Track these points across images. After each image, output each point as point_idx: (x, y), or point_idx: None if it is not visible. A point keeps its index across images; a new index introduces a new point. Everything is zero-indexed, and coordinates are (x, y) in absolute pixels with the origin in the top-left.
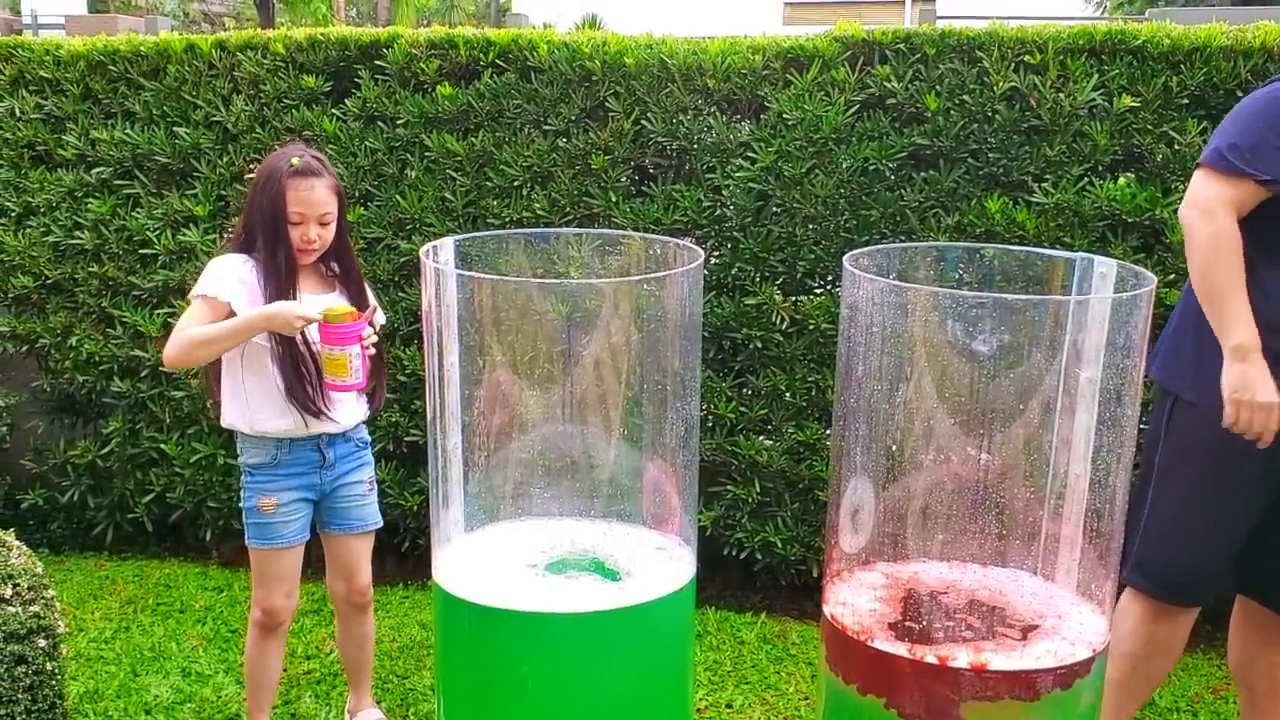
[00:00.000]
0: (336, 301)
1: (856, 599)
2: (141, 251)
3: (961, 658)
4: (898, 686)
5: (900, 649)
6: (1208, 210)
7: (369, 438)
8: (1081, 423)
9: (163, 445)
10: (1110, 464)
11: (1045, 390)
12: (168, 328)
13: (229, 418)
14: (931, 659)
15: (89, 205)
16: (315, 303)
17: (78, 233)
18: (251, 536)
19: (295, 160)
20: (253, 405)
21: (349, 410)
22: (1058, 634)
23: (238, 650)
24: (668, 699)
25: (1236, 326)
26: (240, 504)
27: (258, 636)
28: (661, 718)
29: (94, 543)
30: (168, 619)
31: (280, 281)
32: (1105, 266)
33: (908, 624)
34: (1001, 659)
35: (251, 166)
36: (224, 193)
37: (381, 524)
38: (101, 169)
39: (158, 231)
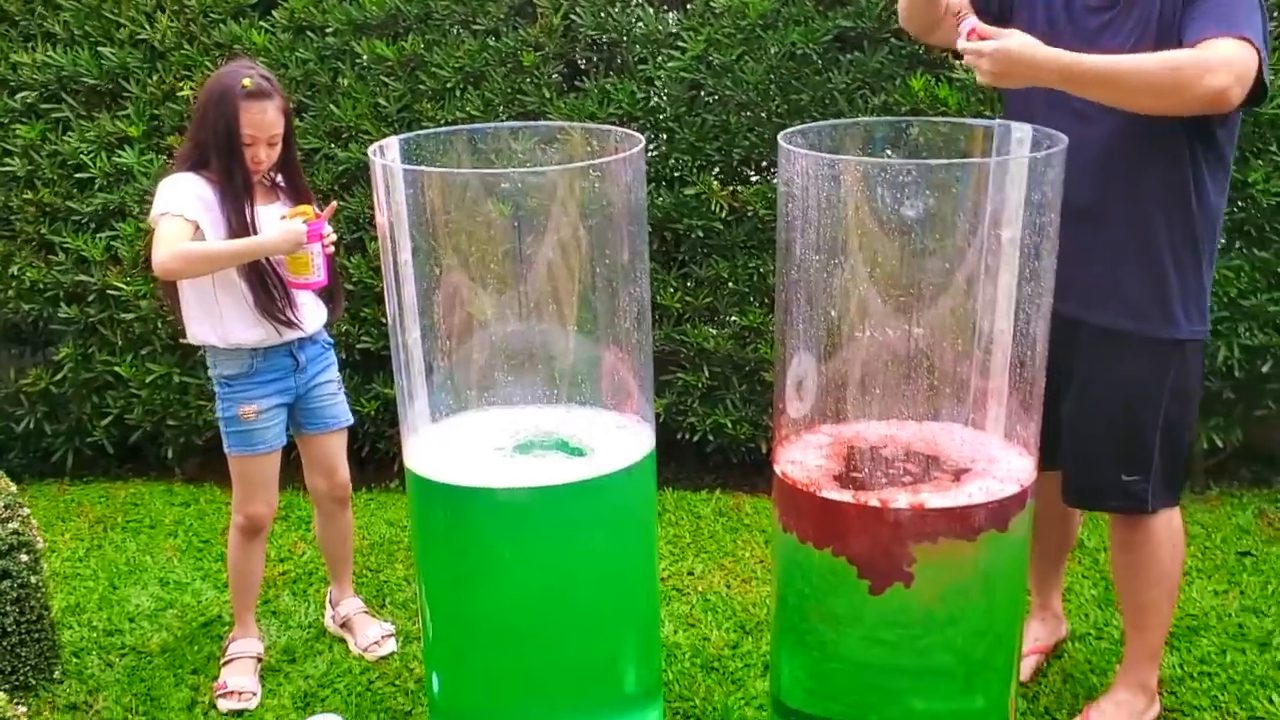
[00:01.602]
0: (288, 208)
1: (804, 457)
2: (77, 175)
3: (901, 499)
4: (845, 533)
5: (846, 495)
6: None
7: (331, 340)
8: (1004, 280)
9: (117, 368)
10: (1031, 315)
11: (971, 251)
12: (111, 250)
13: (200, 335)
14: (874, 502)
15: (16, 131)
16: (264, 214)
17: (7, 160)
18: (232, 445)
19: (247, 82)
20: (226, 319)
21: (312, 314)
22: (989, 475)
23: (212, 558)
24: (636, 564)
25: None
26: (216, 415)
27: (241, 541)
28: (631, 581)
29: (54, 469)
30: (139, 534)
31: (238, 200)
32: (1021, 131)
33: (852, 474)
34: (938, 498)
35: (183, 85)
36: (157, 112)
37: (352, 421)
38: (26, 93)
39: (92, 154)
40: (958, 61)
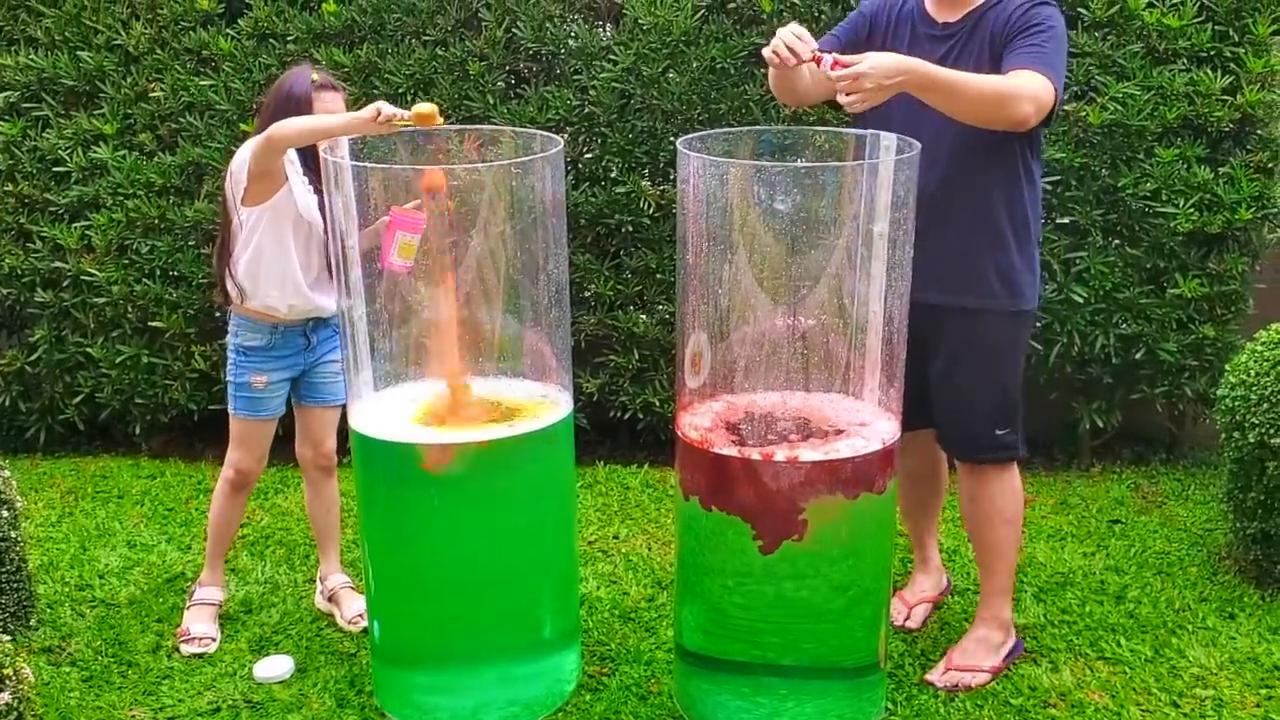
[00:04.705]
0: None
1: (701, 421)
2: (55, 170)
3: (780, 454)
4: (733, 487)
5: (733, 450)
6: None
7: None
8: (876, 269)
9: (88, 349)
10: (895, 300)
11: (846, 242)
12: (85, 239)
13: (233, 295)
14: (756, 456)
15: None
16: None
17: None
18: (239, 408)
19: (316, 76)
20: (264, 282)
21: (332, 300)
22: (859, 435)
23: (177, 524)
24: (554, 519)
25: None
26: (226, 378)
27: (228, 492)
28: (549, 536)
29: (27, 445)
30: (108, 503)
31: (317, 181)
32: (888, 140)
33: (742, 434)
34: (810, 452)
35: (154, 86)
36: (130, 111)
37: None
38: (9, 93)
39: (69, 150)
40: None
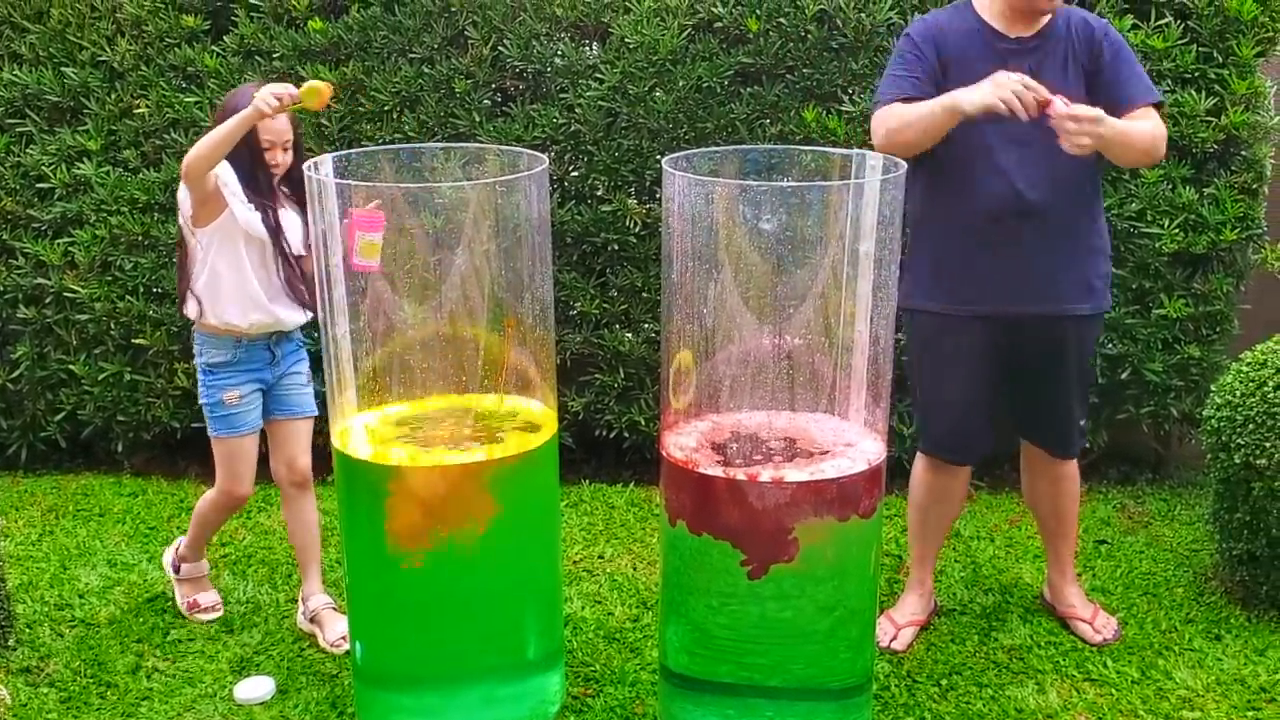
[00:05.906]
0: (300, 214)
1: (687, 441)
2: (38, 185)
3: (765, 474)
4: (719, 508)
5: (718, 470)
6: (876, 131)
7: (304, 340)
8: (862, 289)
9: (71, 366)
10: (881, 320)
11: (832, 262)
12: (68, 255)
13: (191, 310)
14: (742, 476)
15: None
16: (286, 218)
17: None
18: (217, 429)
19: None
20: (222, 300)
21: (294, 313)
22: (844, 455)
23: (158, 542)
24: (538, 541)
25: (953, 99)
26: (200, 402)
27: (219, 504)
28: (533, 558)
29: (8, 463)
30: (89, 522)
31: (263, 198)
32: (874, 159)
33: (727, 454)
34: (795, 473)
35: (139, 103)
36: (114, 128)
37: (318, 413)
38: None
39: (53, 166)
40: (845, 96)
